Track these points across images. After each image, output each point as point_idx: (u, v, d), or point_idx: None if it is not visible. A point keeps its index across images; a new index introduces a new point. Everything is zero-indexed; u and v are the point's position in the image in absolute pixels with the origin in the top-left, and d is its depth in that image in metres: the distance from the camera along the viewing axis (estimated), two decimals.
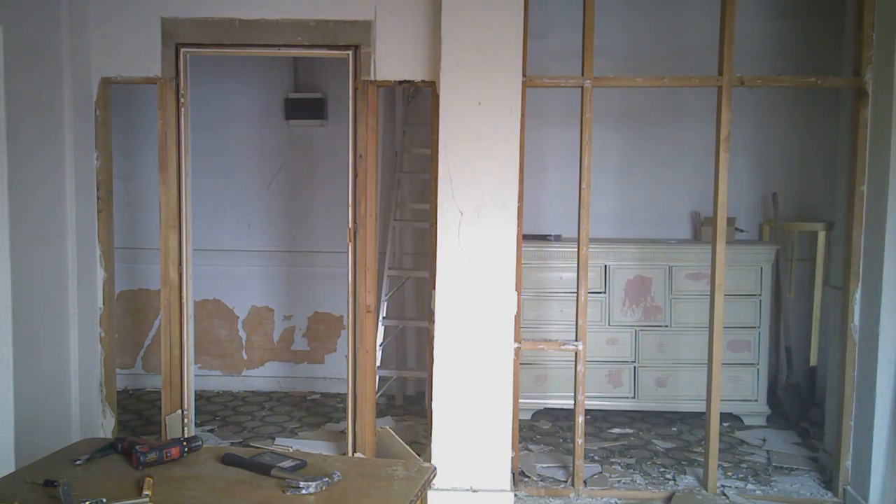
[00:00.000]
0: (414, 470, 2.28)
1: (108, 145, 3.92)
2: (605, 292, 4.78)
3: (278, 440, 4.46)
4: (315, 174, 5.37)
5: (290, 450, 4.01)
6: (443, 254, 3.46)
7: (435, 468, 2.37)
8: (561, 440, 4.48)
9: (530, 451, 4.26)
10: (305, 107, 5.26)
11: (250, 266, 5.41)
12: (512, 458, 3.62)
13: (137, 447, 2.25)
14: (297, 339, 5.47)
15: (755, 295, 4.75)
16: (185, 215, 3.88)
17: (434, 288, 3.49)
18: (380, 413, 4.82)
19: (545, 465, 4.05)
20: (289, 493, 2.03)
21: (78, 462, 2.25)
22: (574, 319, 3.74)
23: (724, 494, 3.70)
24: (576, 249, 3.72)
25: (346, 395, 3.95)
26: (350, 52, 3.74)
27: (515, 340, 3.54)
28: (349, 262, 3.84)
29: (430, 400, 3.57)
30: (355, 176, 3.79)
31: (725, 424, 4.67)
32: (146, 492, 2.00)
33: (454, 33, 3.39)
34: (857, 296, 3.55)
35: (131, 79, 4.02)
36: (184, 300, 3.91)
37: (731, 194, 3.99)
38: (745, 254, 4.73)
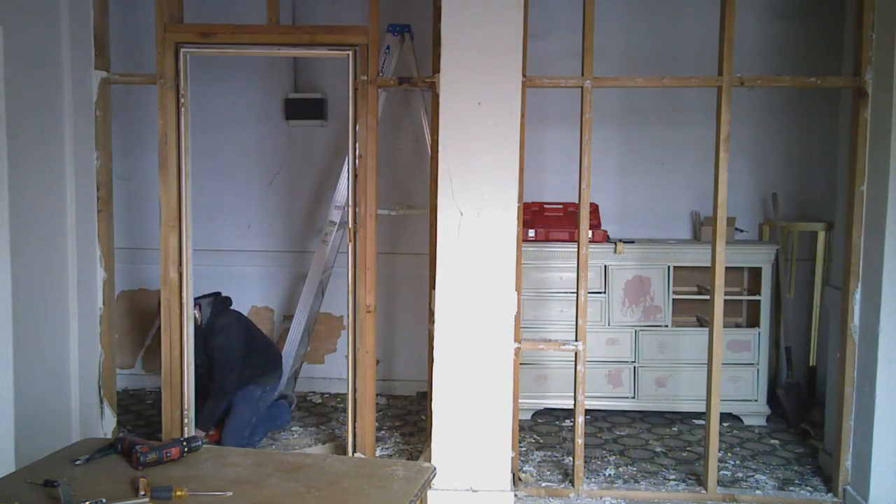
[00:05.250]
0: (414, 470, 2.28)
1: (108, 145, 3.93)
2: (604, 292, 4.78)
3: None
4: (315, 174, 5.37)
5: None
6: (443, 254, 3.46)
7: (435, 468, 2.37)
8: (561, 440, 4.49)
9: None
10: (305, 107, 5.25)
11: (250, 266, 5.41)
12: (512, 458, 3.62)
13: (137, 447, 2.25)
14: None
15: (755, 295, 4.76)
16: (185, 215, 3.88)
17: (434, 288, 3.49)
18: (379, 411, 4.83)
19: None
20: None
21: (78, 462, 2.25)
22: (574, 319, 3.74)
23: (724, 495, 3.70)
24: (576, 249, 3.72)
25: (346, 395, 3.95)
26: (350, 52, 3.74)
27: (515, 340, 3.54)
28: (349, 262, 3.84)
29: (430, 400, 3.57)
30: (355, 176, 3.80)
31: (725, 424, 4.68)
32: (142, 492, 2.00)
33: (454, 33, 3.39)
34: (857, 296, 3.55)
35: (131, 79, 4.04)
36: (184, 300, 3.91)
37: (730, 194, 3.99)
38: (745, 254, 4.73)
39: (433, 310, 3.50)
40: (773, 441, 4.50)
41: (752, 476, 3.97)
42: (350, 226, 3.82)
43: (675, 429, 4.69)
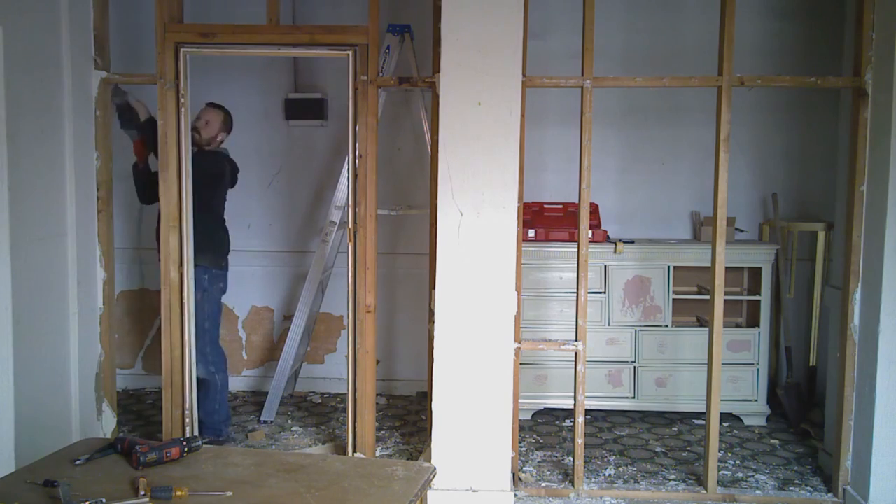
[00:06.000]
0: (414, 470, 2.28)
1: (108, 145, 3.93)
2: (604, 292, 4.78)
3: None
4: (315, 174, 5.37)
5: None
6: (443, 254, 3.46)
7: (435, 468, 2.37)
8: (561, 440, 4.49)
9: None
10: (305, 107, 5.25)
11: (250, 266, 5.41)
12: (512, 458, 3.62)
13: (137, 447, 2.25)
14: None
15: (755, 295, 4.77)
16: (185, 215, 3.88)
17: (434, 288, 3.49)
18: (379, 411, 4.83)
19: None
20: None
21: (78, 462, 2.25)
22: (574, 319, 3.74)
23: (724, 495, 3.70)
24: (576, 249, 3.73)
25: (346, 395, 3.95)
26: (350, 52, 3.74)
27: (515, 340, 3.54)
28: (349, 262, 3.84)
29: (430, 400, 3.57)
30: (355, 176, 3.80)
31: (725, 424, 4.68)
32: (142, 492, 2.00)
33: (454, 33, 3.39)
34: (857, 296, 3.55)
35: (131, 79, 4.03)
36: (185, 300, 3.91)
37: (731, 194, 3.99)
38: (745, 254, 4.73)
39: (433, 310, 3.50)
40: (773, 441, 4.50)
41: (752, 476, 3.98)
42: (350, 226, 3.82)
43: (675, 429, 4.69)
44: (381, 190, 4.04)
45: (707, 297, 4.12)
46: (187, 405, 3.96)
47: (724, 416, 4.63)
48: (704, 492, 3.73)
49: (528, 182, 4.04)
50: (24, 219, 3.25)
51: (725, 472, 4.00)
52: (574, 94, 3.99)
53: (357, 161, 3.78)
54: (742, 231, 5.02)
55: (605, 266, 4.79)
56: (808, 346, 4.97)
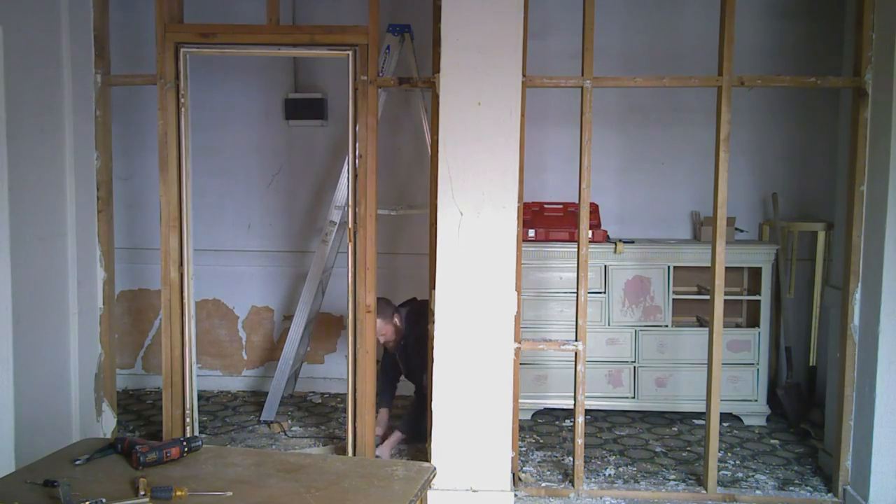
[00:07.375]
0: (414, 470, 2.28)
1: (108, 145, 3.93)
2: (604, 292, 4.78)
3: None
4: (315, 174, 5.37)
5: None
6: (443, 254, 3.46)
7: (435, 468, 2.37)
8: (561, 440, 4.49)
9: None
10: (305, 107, 5.26)
11: (250, 266, 5.41)
12: (512, 458, 3.62)
13: (137, 447, 2.26)
14: None
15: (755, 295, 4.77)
16: (185, 215, 3.88)
17: (434, 288, 3.49)
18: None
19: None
20: None
21: (78, 462, 2.25)
22: (574, 319, 3.74)
23: (724, 495, 3.70)
24: (576, 249, 3.73)
25: (346, 395, 3.95)
26: (350, 52, 3.74)
27: (515, 340, 3.54)
28: (349, 262, 3.84)
29: (430, 400, 3.57)
30: (355, 176, 3.80)
31: (725, 424, 4.68)
32: (142, 492, 2.00)
33: (454, 33, 3.39)
34: (857, 296, 3.55)
35: (132, 79, 4.04)
36: (185, 300, 3.91)
37: (731, 194, 3.99)
38: (745, 254, 4.73)
39: (433, 310, 3.50)
40: (773, 441, 4.50)
41: (752, 476, 3.98)
42: (350, 226, 3.82)
43: (675, 429, 4.69)
44: (381, 190, 4.04)
45: (707, 297, 4.12)
46: (187, 405, 3.95)
47: (724, 416, 4.63)
48: (704, 492, 3.73)
49: (528, 182, 4.04)
50: (24, 219, 3.25)
51: (725, 472, 4.00)
52: (574, 94, 3.99)
53: (357, 161, 3.78)
54: (742, 231, 5.02)
55: (605, 266, 4.79)
56: (808, 346, 4.97)
